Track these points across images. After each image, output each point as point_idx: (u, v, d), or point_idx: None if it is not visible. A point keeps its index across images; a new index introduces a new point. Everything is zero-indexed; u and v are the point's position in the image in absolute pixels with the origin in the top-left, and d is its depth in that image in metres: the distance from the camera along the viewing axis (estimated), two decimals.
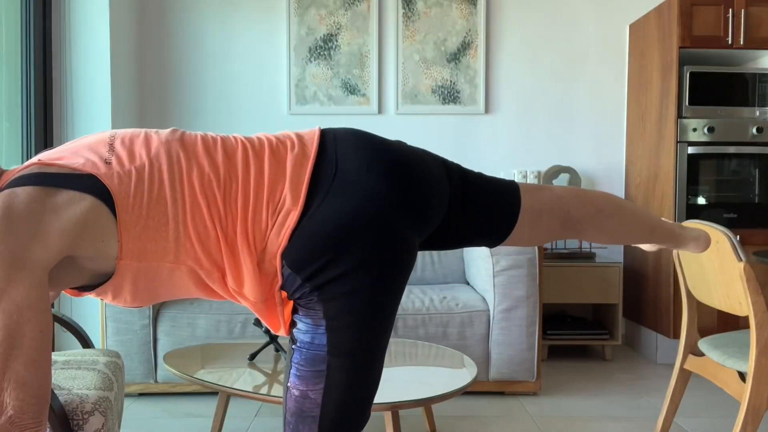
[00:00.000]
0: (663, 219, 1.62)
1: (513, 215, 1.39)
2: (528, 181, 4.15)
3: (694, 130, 3.54)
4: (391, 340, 2.80)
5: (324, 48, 4.09)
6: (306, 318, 1.21)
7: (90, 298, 1.93)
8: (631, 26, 4.10)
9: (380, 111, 4.13)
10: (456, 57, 4.10)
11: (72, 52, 3.56)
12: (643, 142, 3.91)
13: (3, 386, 1.05)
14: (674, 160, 3.54)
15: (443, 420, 2.80)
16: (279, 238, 1.18)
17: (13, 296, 1.04)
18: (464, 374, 2.30)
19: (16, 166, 1.20)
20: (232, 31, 4.13)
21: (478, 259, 3.26)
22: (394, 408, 2.05)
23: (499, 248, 3.07)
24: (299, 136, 1.28)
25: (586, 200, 1.46)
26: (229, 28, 4.13)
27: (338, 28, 4.09)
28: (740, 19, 3.49)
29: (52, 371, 1.82)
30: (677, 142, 3.54)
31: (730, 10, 3.49)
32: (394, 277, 1.21)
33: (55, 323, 2.48)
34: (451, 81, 4.11)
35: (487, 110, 4.15)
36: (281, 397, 2.03)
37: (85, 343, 2.15)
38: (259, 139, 1.27)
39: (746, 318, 1.98)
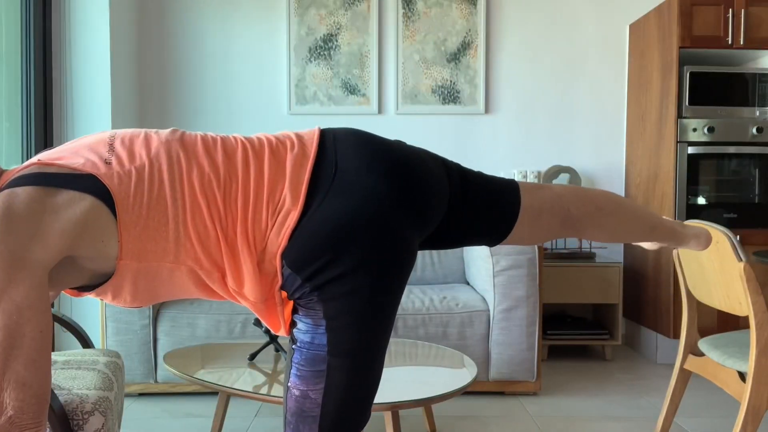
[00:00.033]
0: (663, 217, 1.62)
1: (513, 214, 1.39)
2: (528, 181, 4.14)
3: (694, 130, 3.54)
4: (391, 340, 2.80)
5: (324, 48, 4.09)
6: (306, 318, 1.21)
7: (90, 298, 1.93)
8: (631, 26, 4.10)
9: (380, 111, 4.13)
10: (456, 57, 4.10)
11: (72, 52, 3.56)
12: (643, 142, 3.91)
13: (3, 386, 1.05)
14: (674, 160, 3.54)
15: (443, 420, 2.80)
16: (279, 238, 1.18)
17: (13, 296, 1.04)
18: (464, 374, 2.30)
19: (16, 166, 1.19)
20: (232, 31, 4.13)
21: (478, 259, 3.26)
22: (394, 408, 2.05)
23: (499, 248, 3.06)
24: (299, 136, 1.28)
25: (586, 199, 1.46)
26: (229, 28, 4.13)
27: (338, 28, 4.09)
28: (740, 19, 3.49)
29: (52, 371, 1.82)
30: (677, 142, 3.54)
31: (730, 10, 3.49)
32: (394, 277, 1.21)
33: (55, 323, 2.48)
34: (451, 81, 4.11)
35: (487, 110, 4.15)
36: (281, 397, 2.04)
37: (85, 343, 2.15)
38: (258, 139, 1.27)
39: (746, 318, 1.98)
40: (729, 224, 3.56)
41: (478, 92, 4.12)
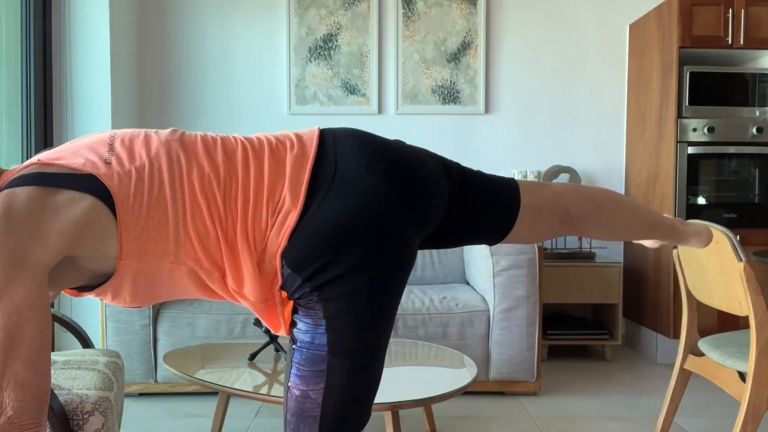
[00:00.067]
0: (664, 215, 1.62)
1: (513, 213, 1.39)
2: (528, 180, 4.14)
3: (694, 130, 3.54)
4: (391, 340, 2.80)
5: (324, 48, 4.09)
6: (306, 318, 1.21)
7: (90, 298, 1.93)
8: (631, 26, 4.10)
9: (380, 111, 4.13)
10: (456, 57, 4.10)
11: (72, 52, 3.56)
12: (643, 142, 3.91)
13: (2, 386, 1.05)
14: (674, 160, 3.54)
15: (443, 420, 2.80)
16: (279, 238, 1.18)
17: (12, 296, 1.04)
18: (464, 374, 2.30)
19: (16, 166, 1.19)
20: (232, 31, 4.13)
21: (478, 259, 3.26)
22: (394, 408, 2.05)
23: (499, 248, 3.06)
24: (299, 137, 1.28)
25: (586, 197, 1.46)
26: (229, 28, 4.13)
27: (338, 28, 4.09)
28: (740, 19, 3.49)
29: (52, 371, 1.82)
30: (677, 142, 3.54)
31: (730, 10, 3.49)
32: (394, 277, 1.21)
33: (55, 323, 2.48)
34: (451, 81, 4.11)
35: (487, 110, 4.15)
36: (281, 397, 2.04)
37: (85, 343, 2.15)
38: (258, 139, 1.27)
39: (746, 318, 1.98)
40: (729, 224, 3.56)
41: (478, 92, 4.12)
